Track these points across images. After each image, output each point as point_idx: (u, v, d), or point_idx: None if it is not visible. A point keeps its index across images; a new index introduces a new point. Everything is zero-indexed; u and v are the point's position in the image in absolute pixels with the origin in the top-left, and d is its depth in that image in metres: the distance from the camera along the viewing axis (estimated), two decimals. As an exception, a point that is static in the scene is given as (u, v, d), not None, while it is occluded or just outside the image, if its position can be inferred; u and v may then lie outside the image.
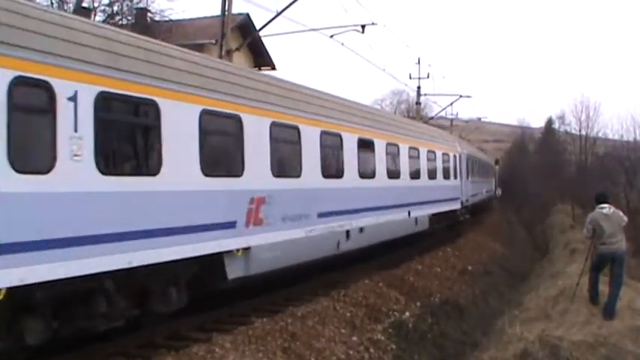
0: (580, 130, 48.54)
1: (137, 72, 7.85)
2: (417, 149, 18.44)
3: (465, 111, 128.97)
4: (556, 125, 62.41)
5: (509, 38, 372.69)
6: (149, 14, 22.78)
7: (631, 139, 38.27)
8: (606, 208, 11.46)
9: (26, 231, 6.28)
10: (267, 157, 10.32)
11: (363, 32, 19.61)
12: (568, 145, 53.52)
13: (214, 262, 9.10)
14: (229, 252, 9.33)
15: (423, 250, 19.65)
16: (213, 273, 9.29)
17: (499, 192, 50.04)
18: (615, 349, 9.14)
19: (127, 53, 7.80)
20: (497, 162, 56.17)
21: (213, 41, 21.13)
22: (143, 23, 22.00)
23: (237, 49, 18.93)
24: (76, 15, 9.34)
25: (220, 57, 16.54)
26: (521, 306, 14.06)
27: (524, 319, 11.45)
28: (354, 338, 10.51)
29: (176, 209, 8.27)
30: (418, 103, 40.46)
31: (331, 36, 20.08)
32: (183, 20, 23.26)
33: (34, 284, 6.39)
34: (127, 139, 7.98)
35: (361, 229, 13.70)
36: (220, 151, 9.75)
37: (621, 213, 11.81)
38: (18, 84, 6.26)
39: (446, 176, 22.18)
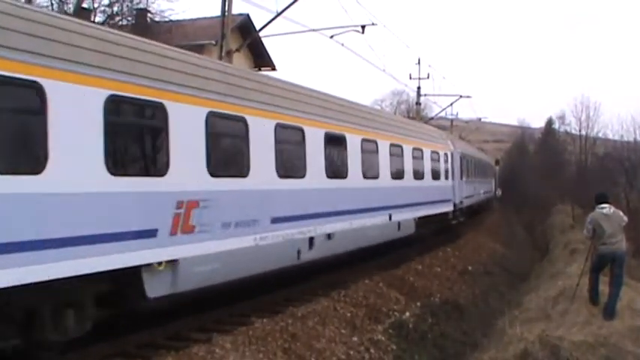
0: (580, 131, 48.64)
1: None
2: (399, 146, 16.79)
3: (465, 111, 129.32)
4: (556, 125, 62.59)
5: (509, 38, 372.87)
6: (149, 15, 22.78)
7: (631, 139, 38.33)
8: (606, 208, 11.46)
9: None
10: (201, 155, 8.78)
11: (363, 32, 19.64)
12: (568, 145, 53.57)
13: (129, 278, 7.64)
14: (149, 265, 7.84)
15: (423, 250, 19.64)
16: (128, 291, 7.86)
17: (499, 192, 50.04)
18: (615, 349, 9.13)
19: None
20: (497, 162, 56.20)
21: (213, 42, 21.13)
22: (143, 24, 22.02)
23: (237, 50, 18.93)
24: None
25: (220, 58, 16.55)
26: (521, 306, 14.07)
27: (524, 320, 11.45)
28: (355, 338, 10.51)
29: (69, 215, 6.80)
30: (418, 103, 40.50)
31: (331, 36, 20.10)
32: (183, 21, 23.27)
33: None
34: None
35: (329, 236, 12.23)
36: (134, 147, 8.15)
37: (621, 213, 11.82)
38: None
39: (435, 176, 20.37)
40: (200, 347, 8.34)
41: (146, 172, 8.07)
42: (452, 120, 54.36)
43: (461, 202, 24.50)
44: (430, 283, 15.94)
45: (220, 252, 8.99)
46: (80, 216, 6.91)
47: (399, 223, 16.25)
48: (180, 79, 8.53)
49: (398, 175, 16.53)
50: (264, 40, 26.33)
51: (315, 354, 9.37)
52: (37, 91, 6.49)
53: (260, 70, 27.10)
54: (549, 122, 66.92)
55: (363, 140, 14.23)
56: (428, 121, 40.90)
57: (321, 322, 10.53)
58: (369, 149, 14.65)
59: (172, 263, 8.18)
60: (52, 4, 20.33)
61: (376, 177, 14.92)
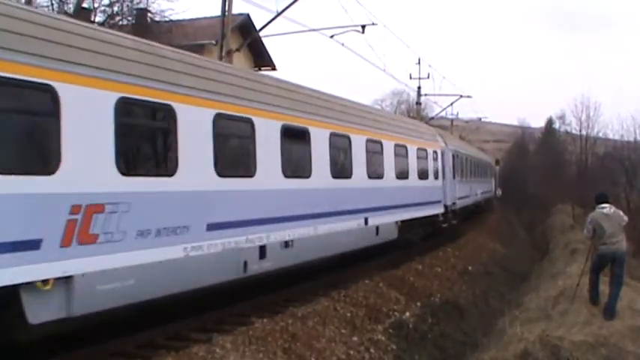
0: (580, 130, 48.42)
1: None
2: (379, 143, 15.25)
3: (465, 111, 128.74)
4: (556, 125, 62.44)
5: (509, 38, 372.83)
6: (149, 14, 22.76)
7: (631, 139, 38.23)
8: (607, 208, 11.46)
9: None
10: (108, 150, 7.36)
11: (363, 32, 19.65)
12: (568, 145, 53.44)
13: (3, 300, 6.31)
14: (30, 284, 6.42)
15: (424, 250, 19.63)
16: (4, 316, 6.58)
17: (499, 192, 50.04)
18: (616, 349, 9.14)
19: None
20: (497, 162, 56.20)
21: (214, 42, 21.13)
22: (143, 24, 22.00)
23: (238, 50, 18.94)
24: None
25: (220, 58, 16.55)
26: (521, 306, 14.07)
27: (524, 320, 11.45)
28: (355, 338, 10.51)
29: None
30: (418, 103, 40.52)
31: (331, 36, 20.12)
32: (184, 20, 23.23)
33: None
34: None
35: (287, 244, 10.88)
36: (9, 140, 6.60)
37: (621, 213, 11.81)
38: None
39: (422, 176, 18.77)
40: (200, 347, 8.33)
41: (24, 170, 6.53)
42: (452, 120, 54.38)
43: (453, 204, 23.07)
44: (430, 283, 15.94)
45: (135, 266, 7.56)
46: None
47: (377, 228, 14.72)
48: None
49: (376, 174, 15.08)
50: (264, 39, 26.34)
51: (315, 354, 9.37)
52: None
53: (260, 69, 27.10)
54: (549, 122, 66.88)
55: (333, 135, 12.82)
56: (428, 121, 40.89)
57: (321, 322, 10.53)
58: (341, 145, 13.23)
59: (65, 281, 6.78)
60: (52, 4, 20.33)
61: (349, 176, 13.47)
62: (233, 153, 10.15)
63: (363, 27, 19.62)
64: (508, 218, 47.11)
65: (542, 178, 52.70)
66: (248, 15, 25.47)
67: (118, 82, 7.58)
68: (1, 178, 6.17)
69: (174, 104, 8.35)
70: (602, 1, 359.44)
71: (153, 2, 22.53)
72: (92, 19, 20.59)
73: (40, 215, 6.54)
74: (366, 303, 12.29)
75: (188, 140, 8.52)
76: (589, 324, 10.37)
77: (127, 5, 22.36)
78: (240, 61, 22.08)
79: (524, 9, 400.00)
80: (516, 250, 30.29)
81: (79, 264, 6.89)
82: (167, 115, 8.34)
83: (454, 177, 23.82)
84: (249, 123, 9.97)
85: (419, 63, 39.59)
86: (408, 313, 12.64)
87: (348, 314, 11.41)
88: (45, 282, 6.55)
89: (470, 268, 19.76)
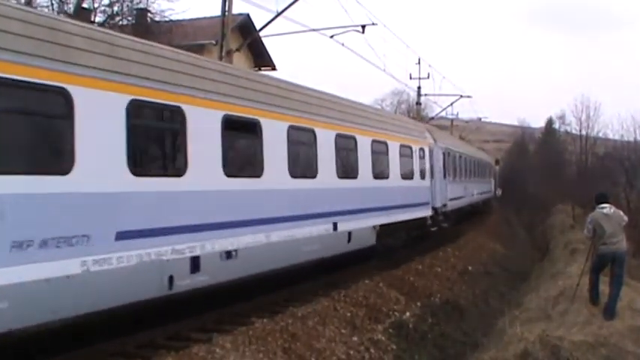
0: (580, 130, 48.53)
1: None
2: (352, 138, 13.75)
3: (465, 111, 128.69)
4: (556, 125, 62.60)
5: (509, 38, 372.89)
6: (149, 15, 22.77)
7: (631, 139, 38.27)
8: (607, 208, 11.46)
9: None
10: None
11: (363, 32, 19.66)
12: (568, 145, 53.53)
13: None
14: None
15: (424, 250, 19.63)
16: None
17: (499, 192, 50.05)
18: (616, 349, 9.14)
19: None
20: (497, 162, 56.19)
21: (214, 42, 21.13)
22: (143, 24, 22.01)
23: (238, 50, 18.95)
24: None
25: (220, 58, 16.56)
26: (521, 306, 14.07)
27: (524, 320, 11.45)
28: (355, 338, 10.51)
29: None
30: (418, 103, 40.53)
31: (331, 36, 20.13)
32: (184, 20, 23.23)
33: None
34: None
35: (230, 254, 9.37)
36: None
37: (622, 213, 11.82)
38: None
39: (406, 175, 17.21)
40: (200, 347, 8.33)
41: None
42: (452, 120, 54.38)
43: (444, 205, 21.48)
44: (430, 283, 15.93)
45: (9, 285, 6.20)
46: None
47: (349, 234, 13.19)
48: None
49: (349, 173, 13.56)
50: (264, 39, 26.36)
51: (315, 354, 9.37)
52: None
53: (260, 69, 27.10)
54: (549, 122, 67.00)
55: (292, 129, 11.28)
56: (428, 120, 40.92)
57: (321, 322, 10.53)
58: (302, 140, 11.90)
59: None
60: (51, 4, 20.32)
61: (313, 176, 12.03)
62: (154, 148, 8.70)
63: (363, 27, 19.64)
64: (508, 218, 47.11)
65: (542, 178, 52.78)
66: (248, 15, 25.49)
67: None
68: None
69: (69, 89, 7.13)
70: (602, 1, 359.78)
71: (153, 2, 22.56)
72: (92, 19, 20.59)
73: None
74: (366, 303, 12.29)
75: (93, 132, 7.31)
76: (589, 324, 10.37)
77: (127, 5, 22.38)
78: (241, 61, 22.09)
79: (524, 9, 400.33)
80: (516, 250, 30.30)
81: None
82: (60, 101, 7.13)
83: (445, 177, 22.32)
84: (180, 114, 8.56)
85: (419, 63, 39.56)
86: (408, 313, 12.64)
87: (348, 314, 11.41)
88: None
89: (470, 268, 19.76)
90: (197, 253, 8.71)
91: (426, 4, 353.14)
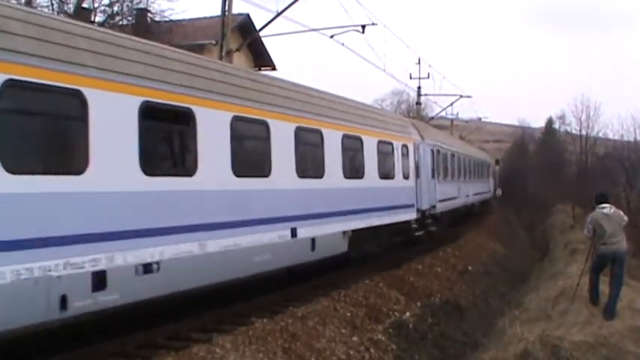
0: (580, 130, 48.60)
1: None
2: (317, 132, 12.28)
3: (465, 111, 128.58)
4: (556, 125, 62.65)
5: (509, 38, 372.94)
6: (149, 15, 22.78)
7: (631, 139, 38.31)
8: (607, 208, 11.47)
9: None
10: None
11: (363, 32, 19.66)
12: (568, 145, 53.60)
13: None
14: None
15: (424, 251, 19.63)
16: None
17: (499, 192, 50.08)
18: (616, 349, 9.14)
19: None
20: (497, 162, 56.21)
21: (214, 42, 21.14)
22: (143, 24, 22.02)
23: (238, 50, 18.96)
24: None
25: (220, 58, 16.56)
26: (521, 306, 14.07)
27: (524, 320, 11.45)
28: (355, 338, 10.52)
29: None
30: (418, 103, 40.54)
31: (331, 36, 20.12)
32: (184, 20, 23.25)
33: None
34: None
35: (148, 267, 7.85)
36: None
37: (622, 213, 11.82)
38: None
39: (386, 174, 15.63)
40: (200, 347, 8.33)
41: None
42: (452, 120, 54.40)
43: (432, 207, 19.97)
44: (430, 283, 15.94)
45: None
46: None
47: (312, 241, 11.75)
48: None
49: (312, 172, 12.14)
50: (264, 39, 26.37)
51: (315, 354, 9.37)
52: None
53: (260, 69, 27.11)
54: (549, 122, 67.03)
55: (236, 120, 9.73)
56: (428, 120, 40.93)
57: (321, 322, 10.53)
58: (252, 134, 10.56)
59: None
60: (51, 4, 20.33)
61: (265, 175, 10.54)
62: (34, 140, 7.06)
63: (363, 27, 19.63)
64: (508, 218, 47.13)
65: (542, 178, 52.80)
66: (248, 15, 25.50)
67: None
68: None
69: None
70: (602, 1, 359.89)
71: (153, 2, 22.59)
72: (92, 19, 20.60)
73: None
74: (366, 303, 12.29)
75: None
76: (589, 324, 10.37)
77: (127, 5, 22.41)
78: (240, 61, 22.09)
79: (524, 9, 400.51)
80: (516, 250, 30.31)
81: None
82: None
83: (433, 176, 20.72)
84: (78, 98, 7.29)
85: (419, 63, 39.57)
86: (408, 313, 12.64)
87: (348, 314, 11.41)
88: None
89: (470, 268, 19.77)
90: (102, 266, 7.26)
91: (426, 4, 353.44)
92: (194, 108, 8.87)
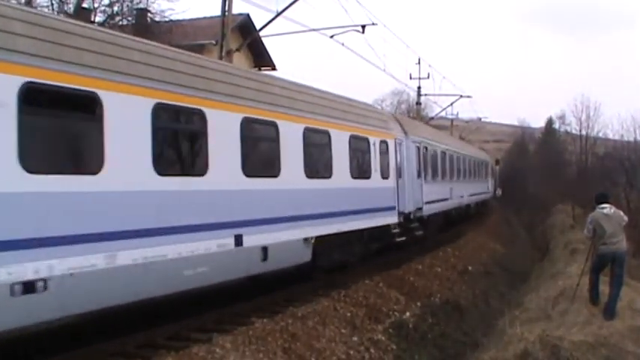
0: (580, 130, 48.65)
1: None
2: (271, 125, 10.65)
3: (465, 111, 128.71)
4: (556, 125, 62.68)
5: (509, 38, 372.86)
6: (149, 14, 22.79)
7: (631, 139, 38.33)
8: (607, 208, 11.47)
9: None
10: None
11: (363, 32, 19.66)
12: (568, 145, 53.65)
13: None
14: None
15: (424, 251, 19.64)
16: None
17: (499, 192, 50.09)
18: (616, 349, 9.14)
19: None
20: (497, 162, 56.22)
21: (214, 42, 21.14)
22: (143, 24, 22.02)
23: (238, 50, 18.96)
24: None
25: (220, 57, 16.56)
26: (521, 306, 14.07)
27: (524, 320, 11.45)
28: (355, 338, 10.52)
29: None
30: (418, 103, 40.54)
31: (331, 36, 20.13)
32: (184, 20, 23.25)
33: None
34: None
35: (30, 286, 6.41)
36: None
37: (622, 213, 11.82)
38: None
39: (360, 173, 14.01)
40: (200, 347, 8.33)
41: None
42: (452, 120, 54.42)
43: (418, 210, 18.29)
44: (430, 283, 15.94)
45: None
46: None
47: (263, 249, 10.18)
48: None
49: (264, 171, 10.66)
50: (264, 39, 26.37)
51: (315, 354, 9.37)
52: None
53: (260, 69, 27.11)
54: (549, 122, 67.08)
55: (159, 109, 8.25)
56: (428, 121, 40.95)
57: (321, 322, 10.53)
58: (176, 126, 9.00)
59: None
60: (52, 4, 20.33)
61: (199, 174, 8.98)
62: None
63: (363, 27, 19.64)
64: (508, 218, 47.15)
65: (542, 178, 52.82)
66: (248, 15, 25.50)
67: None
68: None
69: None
70: (602, 1, 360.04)
71: (153, 2, 22.60)
72: (92, 19, 20.60)
73: None
74: (366, 303, 12.29)
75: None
76: (589, 324, 10.37)
77: (127, 5, 22.41)
78: (240, 61, 22.09)
79: (524, 9, 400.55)
80: (516, 250, 30.32)
81: None
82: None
83: (419, 176, 18.99)
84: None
85: (419, 63, 39.58)
86: (408, 313, 12.65)
87: (348, 314, 11.41)
88: None
89: (470, 268, 19.77)
90: None
91: (426, 4, 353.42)
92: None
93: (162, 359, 7.91)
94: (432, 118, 44.80)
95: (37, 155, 6.68)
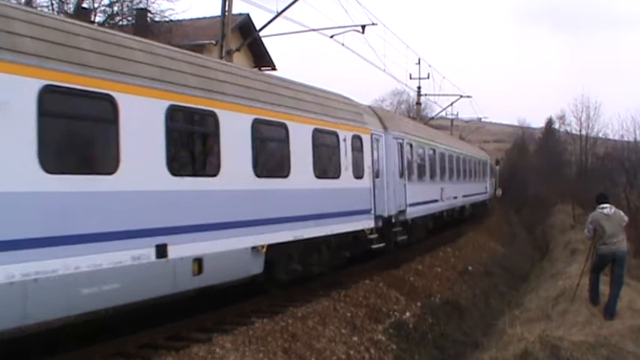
0: (580, 131, 48.61)
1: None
2: (211, 116, 9.18)
3: (465, 111, 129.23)
4: (556, 125, 62.65)
5: (509, 38, 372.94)
6: (149, 15, 22.78)
7: (631, 139, 38.40)
8: (607, 208, 11.48)
9: None
10: None
11: (363, 32, 19.66)
12: (568, 145, 53.66)
13: None
14: None
15: (424, 251, 19.63)
16: None
17: (499, 192, 50.10)
18: (616, 349, 9.13)
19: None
20: (497, 162, 56.24)
21: (214, 42, 21.15)
22: (143, 24, 22.02)
23: (238, 50, 18.96)
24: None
25: (220, 58, 16.56)
26: (521, 306, 14.06)
27: (524, 320, 11.45)
28: (355, 338, 10.52)
29: None
30: (418, 103, 40.51)
31: (331, 36, 20.12)
32: (184, 20, 23.25)
33: None
34: None
35: None
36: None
37: (622, 213, 11.83)
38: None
39: (328, 173, 12.47)
40: (200, 347, 8.34)
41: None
42: (452, 120, 54.43)
43: (400, 213, 16.55)
44: (430, 283, 15.93)
45: None
46: None
47: (196, 261, 8.59)
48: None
49: (199, 169, 9.30)
50: (264, 39, 26.37)
51: (316, 354, 9.37)
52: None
53: (260, 69, 27.11)
54: (549, 122, 67.08)
55: (48, 93, 6.78)
56: (428, 121, 40.95)
57: (322, 322, 10.53)
58: (86, 114, 7.45)
59: None
60: (51, 4, 20.33)
61: (108, 172, 7.46)
62: None
63: (363, 27, 19.63)
64: (508, 218, 47.14)
65: (542, 178, 52.82)
66: (248, 15, 25.50)
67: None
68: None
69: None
70: (602, 0, 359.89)
71: (153, 2, 22.58)
72: (92, 19, 20.60)
73: None
74: (366, 303, 12.29)
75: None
76: (589, 324, 10.38)
77: (127, 5, 22.39)
78: (240, 61, 22.08)
79: (524, 9, 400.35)
80: (516, 250, 30.32)
81: None
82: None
83: (402, 175, 17.21)
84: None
85: (419, 63, 39.51)
86: (408, 313, 12.64)
87: (348, 314, 11.41)
88: None
89: (470, 268, 19.76)
90: None
91: (426, 4, 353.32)
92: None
93: (162, 359, 7.91)
94: (432, 118, 44.82)
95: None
